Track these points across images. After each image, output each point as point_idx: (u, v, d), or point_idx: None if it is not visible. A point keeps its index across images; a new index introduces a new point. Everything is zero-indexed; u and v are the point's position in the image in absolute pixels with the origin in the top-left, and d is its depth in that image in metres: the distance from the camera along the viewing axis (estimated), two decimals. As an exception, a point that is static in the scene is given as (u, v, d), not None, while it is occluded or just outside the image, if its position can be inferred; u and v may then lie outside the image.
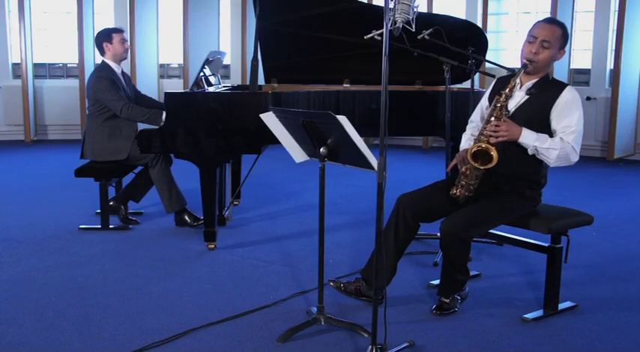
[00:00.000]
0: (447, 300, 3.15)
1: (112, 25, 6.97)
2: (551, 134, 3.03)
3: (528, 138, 2.97)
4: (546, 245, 3.15)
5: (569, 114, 3.00)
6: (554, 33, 3.03)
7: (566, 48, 3.15)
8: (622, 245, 4.34)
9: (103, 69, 4.63)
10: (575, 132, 2.98)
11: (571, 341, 2.90)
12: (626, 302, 3.35)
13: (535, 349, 2.84)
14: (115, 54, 4.68)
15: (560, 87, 3.05)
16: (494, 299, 3.36)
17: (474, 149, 2.98)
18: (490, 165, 2.94)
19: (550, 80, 3.11)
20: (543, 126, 3.03)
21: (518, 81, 3.07)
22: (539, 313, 3.14)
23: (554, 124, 3.02)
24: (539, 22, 3.11)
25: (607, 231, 4.60)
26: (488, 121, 3.00)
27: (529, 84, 3.10)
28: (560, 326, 3.04)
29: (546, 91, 3.05)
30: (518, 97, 3.09)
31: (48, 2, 8.87)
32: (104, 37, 4.69)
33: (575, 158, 3.01)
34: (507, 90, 2.98)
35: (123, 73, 4.76)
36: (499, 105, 2.99)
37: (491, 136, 2.96)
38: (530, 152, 3.00)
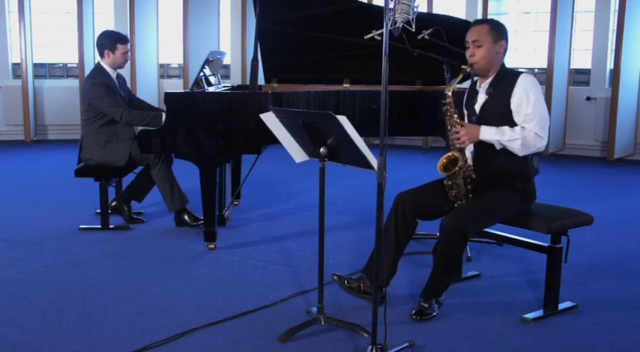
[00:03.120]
0: (427, 305, 3.12)
1: (112, 26, 6.99)
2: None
3: (488, 134, 3.07)
4: (546, 245, 3.15)
5: (525, 102, 3.06)
6: (480, 31, 3.14)
7: (509, 40, 3.23)
8: (622, 245, 4.34)
9: (98, 74, 4.56)
10: (535, 118, 3.04)
11: (571, 341, 2.90)
12: (626, 302, 3.35)
13: (535, 349, 2.84)
14: (114, 63, 4.62)
15: (513, 77, 3.11)
16: (494, 299, 3.36)
17: (442, 163, 3.09)
18: (459, 164, 3.07)
19: (504, 74, 3.17)
20: (510, 120, 3.10)
21: (478, 84, 3.23)
22: (539, 313, 3.14)
23: (516, 117, 3.09)
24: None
25: (607, 231, 4.60)
26: (448, 131, 3.13)
27: (486, 84, 3.20)
28: (560, 326, 3.05)
29: (502, 86, 3.13)
30: (481, 99, 3.21)
31: (48, 2, 8.87)
32: (108, 45, 4.59)
33: (541, 143, 3.05)
34: (447, 98, 3.10)
35: (118, 75, 4.72)
36: (449, 114, 3.11)
37: (456, 144, 3.09)
38: (497, 147, 3.09)
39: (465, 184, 3.12)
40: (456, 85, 3.15)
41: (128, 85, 5.02)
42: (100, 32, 4.79)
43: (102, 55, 4.64)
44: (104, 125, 4.54)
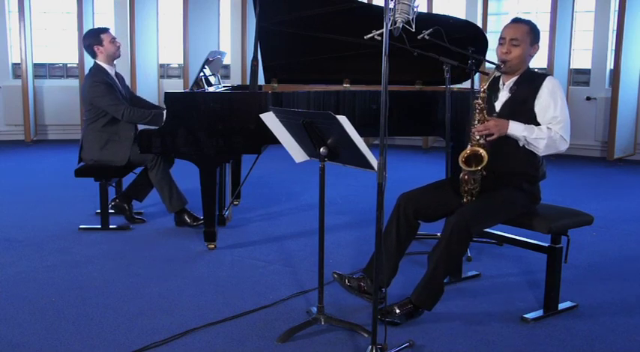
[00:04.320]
0: (399, 311, 2.99)
1: (112, 26, 7.00)
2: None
3: (516, 129, 3.06)
4: (546, 245, 3.15)
5: (552, 105, 3.06)
6: (520, 30, 3.13)
7: (540, 43, 3.23)
8: (622, 245, 4.34)
9: (96, 73, 4.55)
10: (562, 122, 3.05)
11: (571, 341, 2.90)
12: (625, 302, 3.35)
13: (535, 349, 2.84)
14: (107, 55, 4.60)
15: (539, 79, 3.12)
16: (495, 300, 3.36)
17: (465, 155, 3.05)
18: (483, 165, 3.02)
19: (530, 75, 3.17)
20: (530, 120, 3.10)
21: (501, 82, 3.22)
22: (539, 313, 3.14)
23: (540, 117, 3.09)
24: (506, 24, 3.20)
25: (607, 231, 4.60)
26: (473, 125, 3.09)
27: (510, 83, 3.19)
28: (560, 326, 3.05)
29: (527, 86, 3.13)
30: (502, 97, 3.20)
31: (48, 2, 8.87)
32: (93, 40, 4.58)
33: (564, 146, 3.07)
34: (482, 91, 3.07)
35: (117, 73, 4.72)
36: (479, 108, 3.08)
37: (482, 137, 3.05)
38: (520, 143, 3.09)
39: (480, 181, 3.10)
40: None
41: (128, 84, 5.02)
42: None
43: (94, 55, 4.62)
44: (106, 125, 4.53)
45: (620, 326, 3.05)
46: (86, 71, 8.16)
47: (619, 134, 7.28)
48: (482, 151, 3.03)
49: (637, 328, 3.04)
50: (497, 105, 3.20)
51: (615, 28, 7.20)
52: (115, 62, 4.71)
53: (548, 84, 3.09)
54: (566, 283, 3.35)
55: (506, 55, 3.12)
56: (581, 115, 7.82)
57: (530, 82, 3.13)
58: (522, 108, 3.11)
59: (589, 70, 7.85)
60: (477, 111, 3.09)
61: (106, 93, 4.46)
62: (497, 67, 3.14)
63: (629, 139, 7.48)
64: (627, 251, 4.22)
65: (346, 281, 3.21)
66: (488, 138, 3.04)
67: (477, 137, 3.06)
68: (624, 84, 7.19)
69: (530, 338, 2.93)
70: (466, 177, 3.08)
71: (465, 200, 3.14)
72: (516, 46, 3.11)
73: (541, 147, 3.05)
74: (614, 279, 3.69)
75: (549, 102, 3.06)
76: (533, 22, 3.21)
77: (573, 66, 7.85)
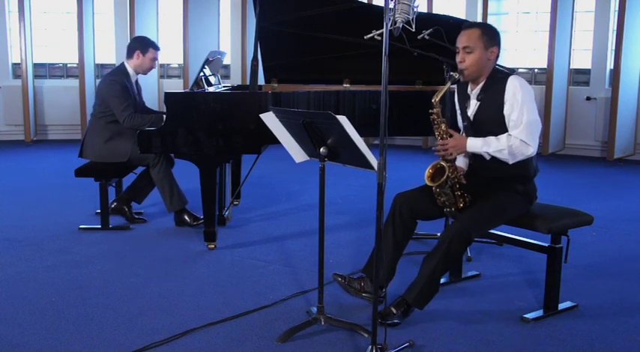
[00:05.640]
0: (396, 311, 2.99)
1: (112, 26, 7.00)
2: None
3: (475, 146, 3.04)
4: (546, 245, 3.15)
5: (515, 108, 3.01)
6: (472, 36, 3.05)
7: (502, 44, 3.16)
8: (622, 245, 4.34)
9: (119, 73, 4.61)
10: (521, 124, 2.98)
11: (571, 341, 2.90)
12: (626, 302, 3.35)
13: (535, 349, 2.84)
14: (139, 65, 4.66)
15: (502, 81, 3.05)
16: (494, 299, 3.36)
17: (429, 173, 3.06)
18: (445, 176, 3.01)
19: (494, 78, 3.09)
20: (505, 125, 3.06)
21: (469, 89, 3.16)
22: (539, 313, 3.14)
23: (507, 122, 3.04)
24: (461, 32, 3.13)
25: (607, 231, 4.60)
26: (437, 140, 3.09)
27: (477, 90, 3.14)
28: (560, 326, 3.05)
29: (493, 91, 3.08)
30: (473, 105, 3.16)
31: (48, 2, 8.87)
32: (140, 46, 4.65)
33: (527, 150, 3.00)
34: (435, 107, 3.04)
35: (136, 82, 4.76)
36: (437, 123, 3.07)
37: (444, 156, 3.05)
38: (487, 158, 3.06)
39: (452, 191, 3.07)
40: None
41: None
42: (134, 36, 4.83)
43: (130, 56, 4.66)
44: (111, 122, 4.56)
45: (620, 326, 3.05)
46: (86, 71, 8.26)
47: (619, 134, 7.28)
48: (440, 163, 3.04)
49: (637, 328, 3.04)
50: (470, 115, 3.16)
51: (615, 28, 7.20)
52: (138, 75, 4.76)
53: (510, 85, 3.02)
54: (566, 283, 3.35)
55: (462, 63, 3.05)
56: (581, 115, 7.83)
57: (494, 86, 3.07)
58: (493, 114, 3.07)
59: (589, 70, 7.85)
60: (435, 126, 3.07)
61: (118, 95, 4.50)
62: (453, 78, 3.07)
63: (629, 139, 7.48)
64: (627, 251, 4.22)
65: (346, 281, 3.21)
66: (447, 157, 3.04)
67: (440, 154, 3.06)
68: (624, 84, 7.19)
69: (530, 338, 2.93)
70: (437, 190, 3.07)
71: (449, 212, 3.13)
72: (470, 53, 3.03)
73: (505, 157, 3.01)
74: (614, 279, 3.69)
75: (512, 104, 3.00)
76: (488, 24, 3.12)
77: (573, 66, 7.85)
